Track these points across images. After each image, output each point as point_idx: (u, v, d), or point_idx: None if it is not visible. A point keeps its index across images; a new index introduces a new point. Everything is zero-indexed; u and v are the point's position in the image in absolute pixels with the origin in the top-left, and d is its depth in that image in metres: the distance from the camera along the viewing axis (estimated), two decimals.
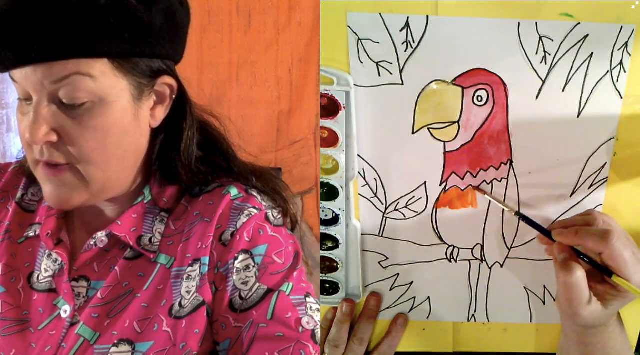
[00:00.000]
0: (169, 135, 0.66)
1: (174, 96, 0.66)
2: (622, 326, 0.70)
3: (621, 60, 0.65)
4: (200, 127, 0.69)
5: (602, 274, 0.64)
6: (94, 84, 0.58)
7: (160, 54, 0.62)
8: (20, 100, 0.61)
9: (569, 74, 0.66)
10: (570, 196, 0.71)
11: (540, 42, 0.65)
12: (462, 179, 0.70)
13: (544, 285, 0.75)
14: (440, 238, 0.73)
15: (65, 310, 0.63)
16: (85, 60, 0.57)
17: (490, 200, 0.71)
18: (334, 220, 0.73)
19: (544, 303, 0.76)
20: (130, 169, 0.65)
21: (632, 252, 0.62)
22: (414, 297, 0.77)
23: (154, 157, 0.66)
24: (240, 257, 0.63)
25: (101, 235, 0.65)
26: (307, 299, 0.63)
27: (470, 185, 0.71)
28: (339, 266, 0.75)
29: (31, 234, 0.68)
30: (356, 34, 0.65)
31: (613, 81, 0.66)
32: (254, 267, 0.63)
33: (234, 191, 0.67)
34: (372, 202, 0.72)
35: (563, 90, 0.67)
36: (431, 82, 0.66)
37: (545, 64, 0.66)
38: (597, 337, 0.67)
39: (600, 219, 0.65)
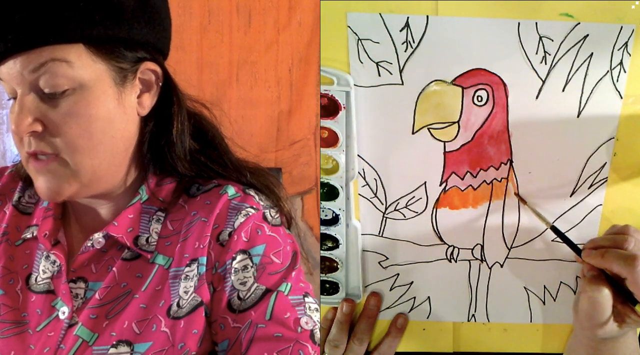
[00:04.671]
0: (158, 122, 0.66)
1: (160, 83, 0.66)
2: (635, 335, 0.70)
3: (621, 60, 0.65)
4: (192, 118, 0.69)
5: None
6: (72, 70, 0.58)
7: (138, 39, 0.62)
8: (11, 100, 0.61)
9: (569, 74, 0.66)
10: (570, 196, 0.71)
11: (540, 42, 0.65)
12: (462, 179, 0.70)
13: (544, 285, 0.75)
14: (440, 238, 0.73)
15: (64, 312, 0.63)
16: (60, 46, 0.58)
17: (490, 202, 0.71)
18: (334, 220, 0.73)
19: (544, 303, 0.76)
20: (120, 158, 0.64)
21: None
22: (414, 297, 0.77)
23: (146, 147, 0.66)
24: (238, 258, 0.63)
25: (98, 236, 0.65)
26: (306, 299, 0.63)
27: (516, 194, 0.71)
28: (339, 266, 0.75)
29: (28, 235, 0.68)
30: (356, 34, 0.65)
31: (613, 81, 0.66)
32: (252, 267, 0.63)
33: (231, 191, 0.66)
34: (372, 202, 0.72)
35: (563, 90, 0.67)
36: (431, 82, 0.66)
37: (545, 64, 0.66)
38: (607, 345, 0.67)
39: (632, 240, 0.63)
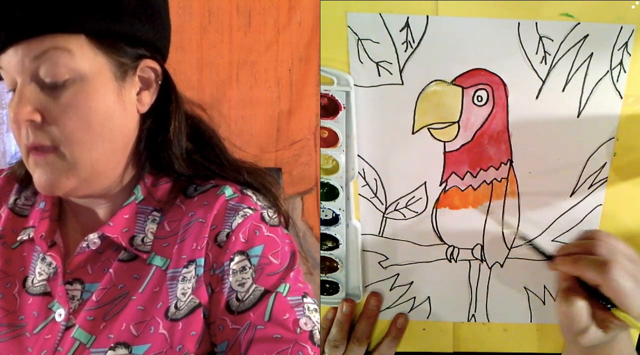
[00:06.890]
0: (156, 120, 0.67)
1: (159, 81, 0.66)
2: (629, 337, 0.69)
3: (621, 60, 0.65)
4: (190, 120, 0.69)
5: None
6: (73, 60, 0.59)
7: (139, 36, 0.62)
8: (10, 93, 0.61)
9: (569, 74, 0.66)
10: (570, 196, 0.71)
11: (540, 42, 0.65)
12: (462, 179, 0.70)
13: (544, 285, 0.75)
14: (440, 238, 0.73)
15: (60, 314, 0.63)
16: (62, 35, 0.58)
17: (490, 202, 0.71)
18: (334, 220, 0.73)
19: (544, 303, 0.76)
20: (119, 153, 0.64)
21: (636, 281, 0.59)
22: (414, 297, 0.77)
23: (143, 144, 0.66)
24: (236, 259, 0.63)
25: (93, 237, 0.64)
26: (305, 300, 0.63)
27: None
28: (339, 266, 0.75)
29: (25, 237, 0.68)
30: (356, 34, 0.65)
31: (613, 81, 0.66)
32: (250, 268, 0.63)
33: (228, 191, 0.66)
34: (372, 202, 0.72)
35: (563, 90, 0.67)
36: (431, 82, 0.66)
37: (545, 64, 0.66)
38: (599, 351, 0.66)
39: (602, 244, 0.61)
